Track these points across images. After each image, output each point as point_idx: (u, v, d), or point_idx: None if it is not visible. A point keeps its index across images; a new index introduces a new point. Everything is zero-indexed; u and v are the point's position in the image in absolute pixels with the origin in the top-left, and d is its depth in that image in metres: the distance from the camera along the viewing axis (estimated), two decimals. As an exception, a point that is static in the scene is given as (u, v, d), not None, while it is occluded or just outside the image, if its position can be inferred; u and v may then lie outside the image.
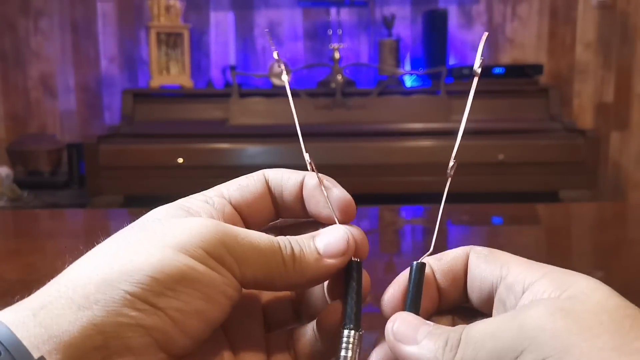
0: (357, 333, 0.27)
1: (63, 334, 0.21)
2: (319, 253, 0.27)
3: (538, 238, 0.80)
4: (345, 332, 0.27)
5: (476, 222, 0.90)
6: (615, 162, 2.73)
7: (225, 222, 0.27)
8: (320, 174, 0.29)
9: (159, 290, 0.23)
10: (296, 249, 0.27)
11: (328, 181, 0.29)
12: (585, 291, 0.23)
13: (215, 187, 0.30)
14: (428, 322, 0.26)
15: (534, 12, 2.75)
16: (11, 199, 2.38)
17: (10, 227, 0.92)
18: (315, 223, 0.30)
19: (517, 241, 0.75)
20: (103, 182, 2.24)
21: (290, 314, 0.31)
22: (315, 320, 0.29)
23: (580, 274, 0.25)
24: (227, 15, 2.79)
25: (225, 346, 0.28)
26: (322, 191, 0.29)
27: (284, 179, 0.30)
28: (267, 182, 0.30)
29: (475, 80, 0.28)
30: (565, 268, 0.25)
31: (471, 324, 0.24)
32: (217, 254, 0.25)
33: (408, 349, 0.25)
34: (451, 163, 0.29)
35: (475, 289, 0.27)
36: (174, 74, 2.61)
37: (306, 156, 0.29)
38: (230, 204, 0.29)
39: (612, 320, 0.22)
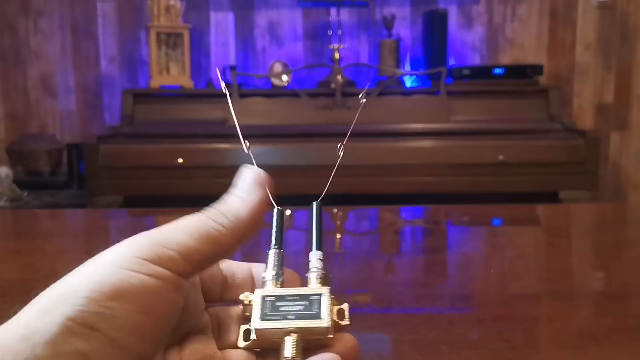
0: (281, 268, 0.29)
1: None
2: (242, 197, 0.28)
3: (538, 239, 0.80)
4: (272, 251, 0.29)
5: (476, 223, 0.90)
6: (615, 163, 2.73)
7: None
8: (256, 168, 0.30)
9: (95, 310, 0.22)
10: (222, 207, 0.27)
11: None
12: None
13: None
14: None
15: (534, 12, 2.75)
16: (11, 199, 2.38)
17: (10, 227, 0.92)
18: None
19: (517, 242, 0.75)
20: (103, 182, 2.24)
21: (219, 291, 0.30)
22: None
23: None
24: (227, 16, 2.79)
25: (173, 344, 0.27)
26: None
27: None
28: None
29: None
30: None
31: None
32: (154, 255, 0.24)
33: None
34: (342, 145, 0.33)
35: None
36: (174, 74, 2.61)
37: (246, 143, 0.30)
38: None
39: None
